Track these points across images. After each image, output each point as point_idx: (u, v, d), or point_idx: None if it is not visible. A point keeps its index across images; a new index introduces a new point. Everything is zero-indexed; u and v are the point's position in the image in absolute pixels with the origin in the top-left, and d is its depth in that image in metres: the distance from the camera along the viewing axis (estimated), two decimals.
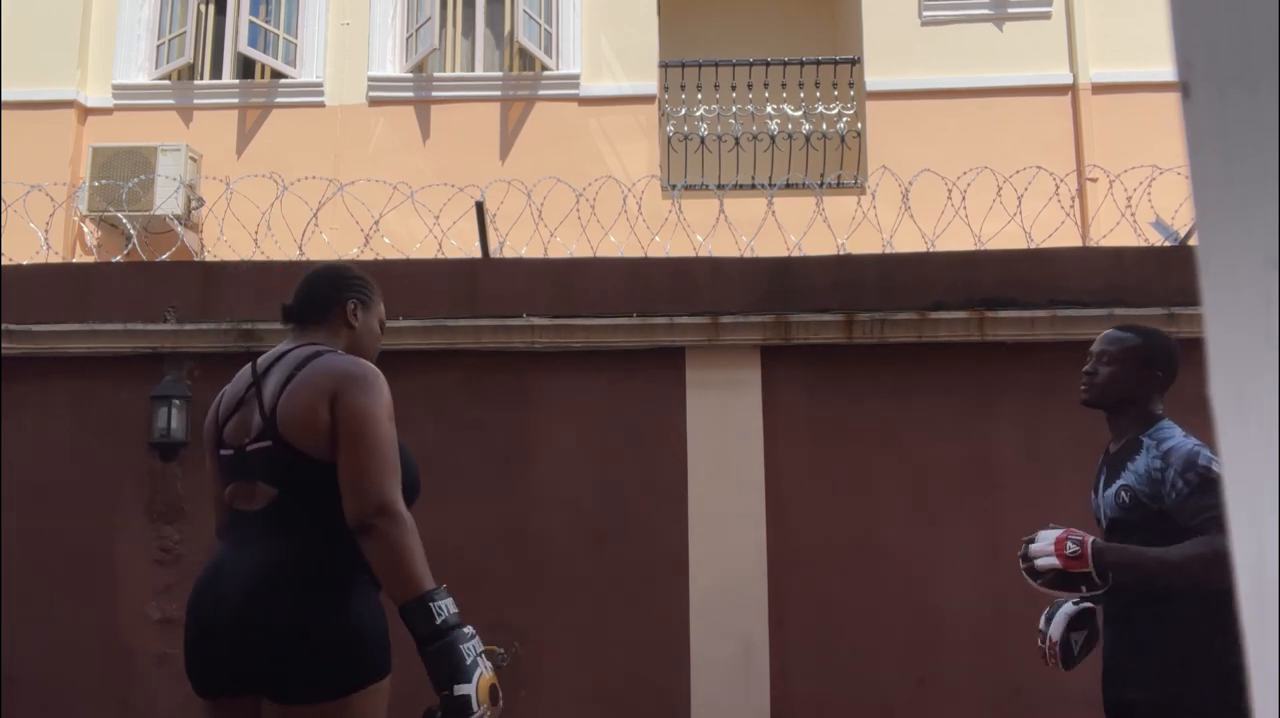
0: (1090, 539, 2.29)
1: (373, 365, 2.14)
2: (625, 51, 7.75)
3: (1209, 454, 2.32)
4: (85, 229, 7.14)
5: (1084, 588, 2.29)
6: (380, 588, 2.01)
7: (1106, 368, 2.50)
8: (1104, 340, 2.55)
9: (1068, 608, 2.52)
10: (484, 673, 1.89)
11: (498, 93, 7.71)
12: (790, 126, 7.69)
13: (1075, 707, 3.22)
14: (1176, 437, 2.40)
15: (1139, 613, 2.31)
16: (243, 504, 2.09)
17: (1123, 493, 2.39)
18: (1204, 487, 2.27)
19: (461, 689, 1.84)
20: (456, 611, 1.92)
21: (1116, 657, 2.36)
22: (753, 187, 6.69)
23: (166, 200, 6.58)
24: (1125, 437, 2.47)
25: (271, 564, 1.98)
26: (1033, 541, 2.37)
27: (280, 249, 4.84)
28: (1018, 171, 4.88)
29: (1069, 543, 2.29)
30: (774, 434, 4.19)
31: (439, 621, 1.88)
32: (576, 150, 7.36)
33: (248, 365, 2.26)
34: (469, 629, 1.92)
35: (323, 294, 2.31)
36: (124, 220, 5.80)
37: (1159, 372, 2.51)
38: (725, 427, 4.20)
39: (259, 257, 4.61)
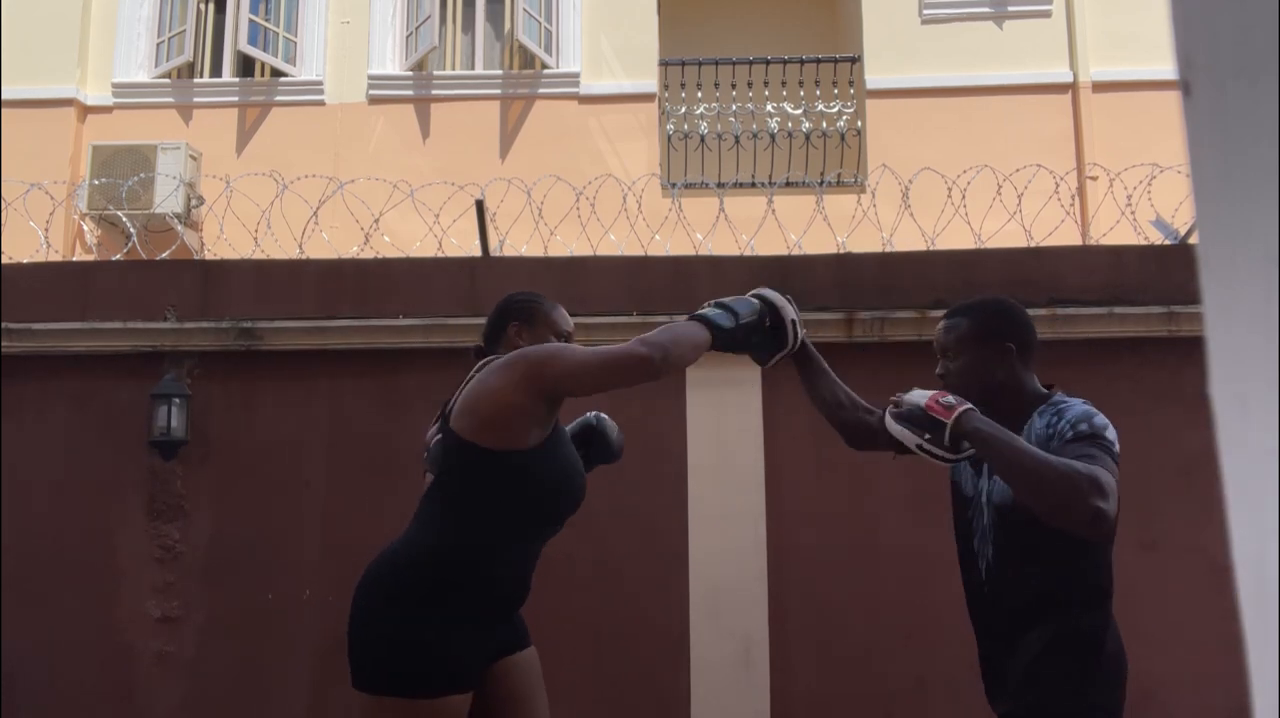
0: (968, 404, 2.02)
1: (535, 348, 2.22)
2: (625, 50, 7.75)
3: (1106, 423, 2.09)
4: (85, 227, 7.13)
5: (928, 436, 2.00)
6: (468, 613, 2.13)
7: (955, 362, 2.24)
8: (939, 333, 2.28)
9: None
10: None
11: (498, 91, 7.71)
12: (790, 125, 7.69)
13: None
14: (1080, 402, 2.17)
15: (1020, 633, 2.17)
16: None
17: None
18: (1092, 438, 2.04)
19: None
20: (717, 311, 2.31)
21: (999, 672, 2.23)
22: (753, 185, 6.68)
23: (166, 199, 6.58)
24: (1013, 423, 2.15)
25: (384, 558, 2.17)
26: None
27: (280, 248, 4.83)
28: (1018, 170, 4.87)
29: (948, 396, 2.05)
30: (774, 433, 4.19)
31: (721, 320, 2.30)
32: (576, 149, 7.36)
33: None
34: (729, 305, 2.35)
35: (491, 325, 2.46)
36: (124, 219, 5.79)
37: (1009, 342, 2.21)
38: (725, 425, 4.19)
39: (259, 255, 4.61)
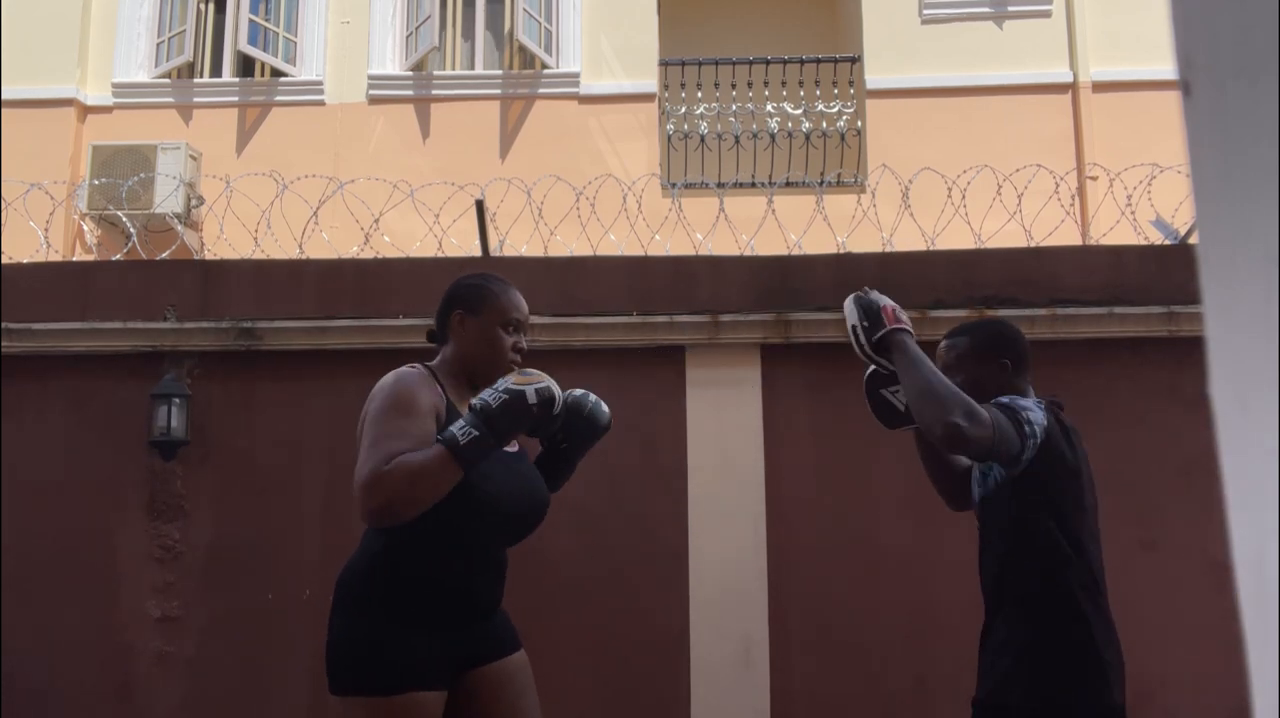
0: (907, 331, 2.27)
1: (397, 374, 2.22)
2: (625, 50, 7.75)
3: (1029, 405, 2.24)
4: (85, 227, 7.13)
5: (867, 324, 2.27)
6: (416, 612, 2.13)
7: (956, 377, 2.37)
8: (942, 351, 2.47)
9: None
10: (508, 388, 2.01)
11: (498, 91, 7.71)
12: (790, 125, 7.69)
13: None
14: (1024, 398, 2.32)
15: (997, 621, 2.29)
16: None
17: (976, 467, 2.36)
18: (1000, 404, 2.22)
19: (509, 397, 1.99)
20: (463, 424, 2.01)
21: (981, 661, 2.33)
22: (753, 185, 6.68)
23: (166, 199, 6.58)
24: None
25: (345, 567, 2.23)
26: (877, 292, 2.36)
27: (280, 248, 4.83)
28: (1018, 170, 4.87)
29: (906, 314, 2.30)
30: (774, 433, 4.19)
31: (468, 440, 1.98)
32: (576, 149, 7.36)
33: None
34: (479, 408, 2.01)
35: (439, 312, 2.35)
36: (124, 219, 5.79)
37: (1005, 358, 2.39)
38: (725, 425, 4.19)
39: (259, 255, 4.61)
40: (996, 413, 2.17)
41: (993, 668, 2.25)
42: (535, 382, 2.02)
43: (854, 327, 2.31)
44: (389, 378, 2.22)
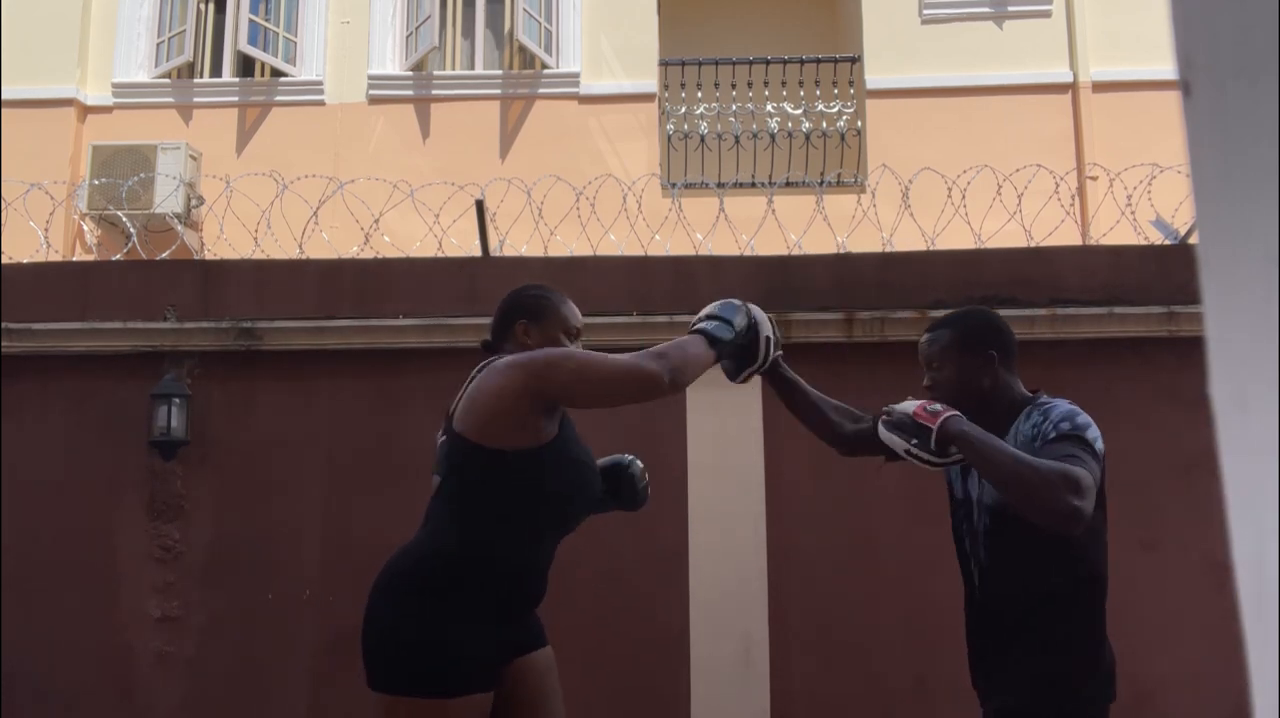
0: (954, 412, 2.11)
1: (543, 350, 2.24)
2: (625, 50, 7.75)
3: (1089, 421, 2.13)
4: (85, 227, 7.13)
5: (915, 441, 2.09)
6: (493, 612, 2.14)
7: (941, 373, 2.29)
8: (924, 346, 2.35)
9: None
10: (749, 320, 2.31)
11: (498, 91, 7.71)
12: (790, 125, 7.69)
13: None
14: (1064, 402, 2.21)
15: (1015, 632, 2.20)
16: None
17: None
18: (1073, 438, 2.09)
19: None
20: (706, 325, 2.27)
21: (991, 669, 2.26)
22: (753, 185, 6.68)
23: (166, 199, 6.58)
24: (1000, 426, 2.22)
25: (405, 554, 2.17)
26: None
27: (280, 248, 4.83)
28: (1018, 170, 4.87)
29: (935, 404, 2.15)
30: (774, 433, 4.19)
31: (719, 332, 2.23)
32: (576, 149, 7.36)
33: None
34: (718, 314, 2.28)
35: (498, 322, 2.39)
36: (124, 219, 5.79)
37: (991, 350, 2.26)
38: (725, 425, 4.19)
39: (259, 255, 4.61)
40: (1081, 456, 2.05)
41: (1033, 675, 2.16)
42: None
43: (907, 451, 2.12)
44: (517, 357, 2.19)
